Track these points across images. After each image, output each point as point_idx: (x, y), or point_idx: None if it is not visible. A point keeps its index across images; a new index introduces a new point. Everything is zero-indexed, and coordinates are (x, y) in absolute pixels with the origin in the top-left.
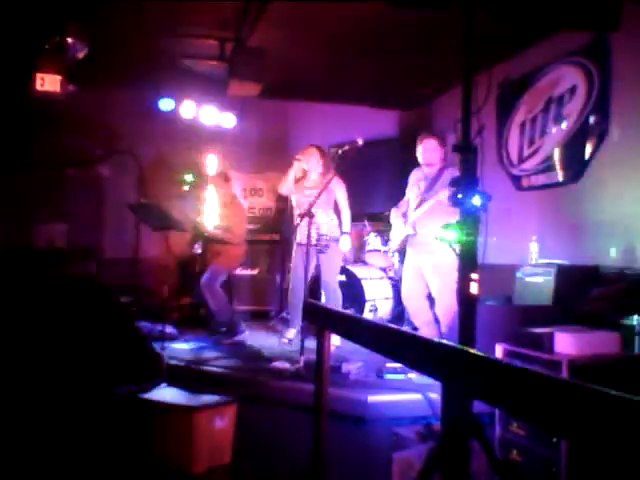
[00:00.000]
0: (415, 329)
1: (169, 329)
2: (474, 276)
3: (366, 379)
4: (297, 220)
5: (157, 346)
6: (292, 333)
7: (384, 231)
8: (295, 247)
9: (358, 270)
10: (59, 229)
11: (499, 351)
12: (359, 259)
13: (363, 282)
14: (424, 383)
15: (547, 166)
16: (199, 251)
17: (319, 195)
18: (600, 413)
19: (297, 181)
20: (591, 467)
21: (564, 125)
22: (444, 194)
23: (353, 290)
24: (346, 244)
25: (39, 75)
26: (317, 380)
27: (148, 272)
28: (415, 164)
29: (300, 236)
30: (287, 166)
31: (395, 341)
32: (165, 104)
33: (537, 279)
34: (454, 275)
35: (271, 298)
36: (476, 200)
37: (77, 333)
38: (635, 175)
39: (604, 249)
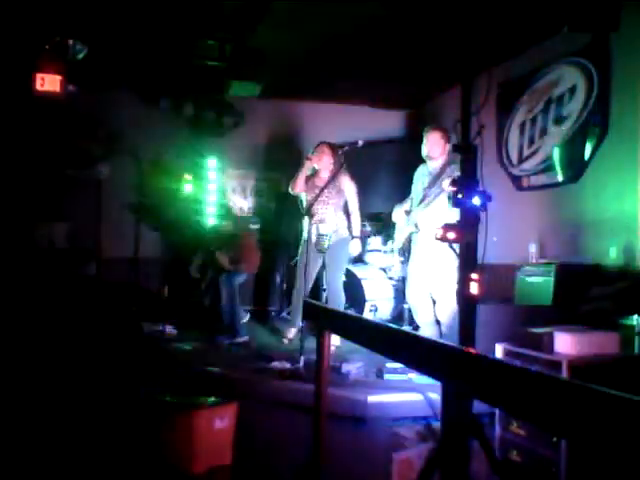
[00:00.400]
0: (415, 329)
1: (169, 329)
2: (474, 276)
3: (366, 379)
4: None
5: (157, 346)
6: (292, 332)
7: (384, 231)
8: (302, 246)
9: (358, 270)
10: (59, 229)
11: (499, 351)
12: (359, 259)
13: (363, 282)
14: (424, 383)
15: (547, 166)
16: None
17: (320, 193)
18: (600, 413)
19: (308, 180)
20: (591, 467)
21: (564, 125)
22: (446, 183)
23: (353, 290)
24: (355, 248)
25: (39, 75)
26: (317, 380)
27: (148, 272)
28: (415, 164)
29: (305, 235)
30: (288, 166)
31: (395, 341)
32: (164, 104)
33: (537, 279)
34: (454, 275)
35: (271, 298)
36: (476, 200)
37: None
38: (635, 175)
39: (604, 249)
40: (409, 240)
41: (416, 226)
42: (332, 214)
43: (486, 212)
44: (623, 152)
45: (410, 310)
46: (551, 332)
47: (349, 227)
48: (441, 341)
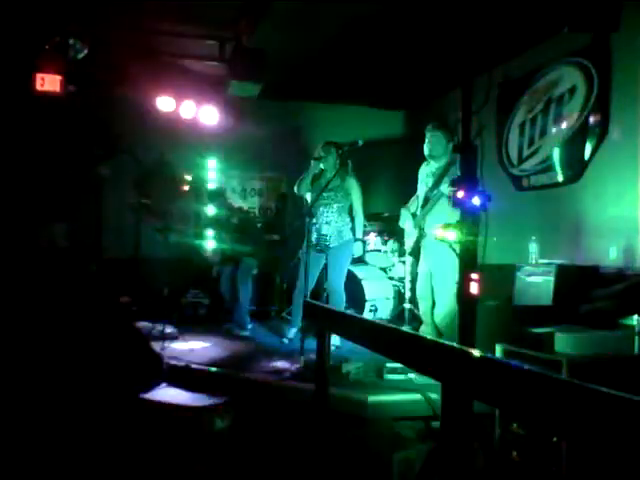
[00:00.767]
0: (415, 329)
1: (169, 329)
2: (474, 276)
3: (366, 379)
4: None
5: (157, 346)
6: (293, 332)
7: (384, 231)
8: (303, 247)
9: (358, 270)
10: (59, 229)
11: (499, 351)
12: (359, 259)
13: (363, 282)
14: (424, 383)
15: (547, 166)
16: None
17: (326, 194)
18: (600, 413)
19: (313, 180)
20: (591, 467)
21: (564, 125)
22: (445, 187)
23: (353, 290)
24: (357, 250)
25: (39, 75)
26: (317, 380)
27: (148, 272)
28: (415, 164)
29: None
30: (288, 166)
31: (395, 341)
32: (164, 103)
33: (537, 279)
34: (455, 275)
35: (271, 298)
36: (476, 200)
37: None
38: (635, 175)
39: (604, 249)
40: (418, 243)
41: (422, 230)
42: (337, 215)
43: (486, 212)
44: (623, 152)
45: (410, 310)
46: (551, 332)
47: (352, 229)
48: (441, 341)
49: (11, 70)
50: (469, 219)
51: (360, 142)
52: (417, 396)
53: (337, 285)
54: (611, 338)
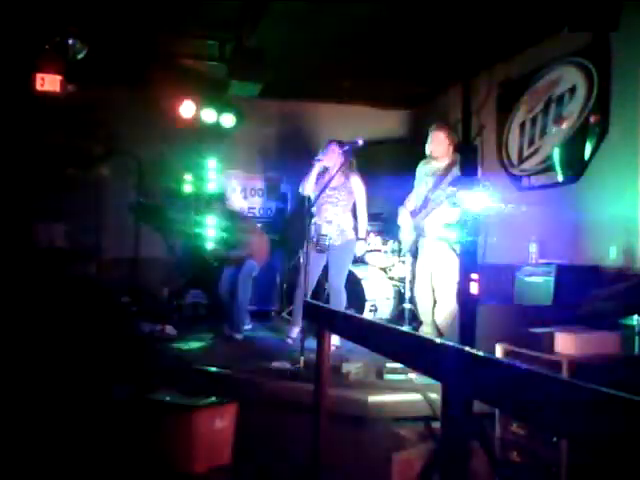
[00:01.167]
0: (415, 329)
1: (169, 329)
2: (474, 276)
3: (366, 379)
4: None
5: (157, 346)
6: (296, 332)
7: (384, 231)
8: (304, 246)
9: (358, 270)
10: (59, 229)
11: (499, 351)
12: (359, 259)
13: (363, 282)
14: (424, 383)
15: (547, 166)
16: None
17: (330, 193)
18: (600, 413)
19: (318, 179)
20: (591, 467)
21: (564, 125)
22: (448, 191)
23: (353, 290)
24: (360, 249)
25: (39, 75)
26: (317, 380)
27: (148, 272)
28: (415, 164)
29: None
30: (288, 166)
31: (395, 341)
32: (165, 104)
33: (537, 279)
34: (455, 275)
35: (271, 298)
36: (476, 200)
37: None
38: (635, 175)
39: (604, 249)
40: (416, 242)
41: (422, 231)
42: (341, 215)
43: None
44: (623, 152)
45: (410, 310)
46: (551, 332)
47: (355, 228)
48: (441, 341)
49: (11, 70)
50: (469, 219)
51: (360, 141)
52: (417, 396)
53: (338, 284)
54: (611, 338)
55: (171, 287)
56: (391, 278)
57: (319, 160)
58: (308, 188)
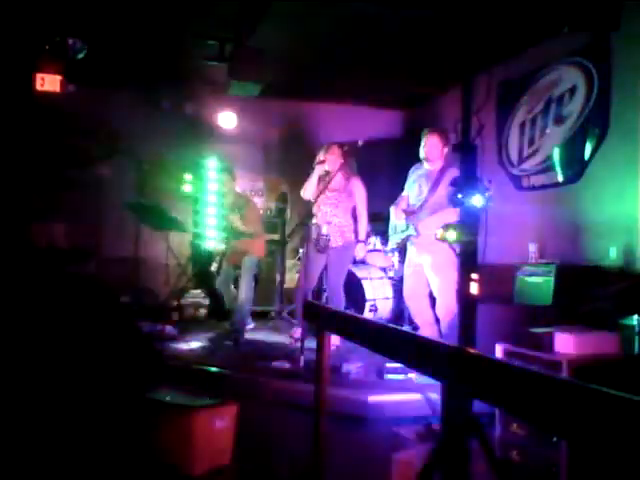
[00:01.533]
0: (415, 329)
1: (169, 329)
2: (474, 276)
3: (366, 379)
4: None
5: (157, 346)
6: (299, 332)
7: (384, 231)
8: (304, 246)
9: (358, 270)
10: (59, 229)
11: (499, 351)
12: (359, 261)
13: (363, 282)
14: (424, 383)
15: (547, 166)
16: None
17: (330, 195)
18: (600, 413)
19: (319, 181)
20: (591, 467)
21: (564, 125)
22: (446, 192)
23: (353, 290)
24: (359, 252)
25: (39, 75)
26: (317, 380)
27: (148, 272)
28: (416, 163)
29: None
30: (288, 166)
31: (395, 341)
32: (165, 104)
33: (537, 279)
34: (454, 275)
35: (271, 298)
36: (476, 200)
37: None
38: (635, 175)
39: (604, 249)
40: (405, 241)
41: (416, 230)
42: (341, 217)
43: (486, 212)
44: (623, 152)
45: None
46: (551, 332)
47: (355, 230)
48: (441, 341)
49: (11, 70)
50: (469, 219)
51: (360, 142)
52: (417, 396)
53: (336, 285)
54: (611, 338)
55: (171, 287)
56: (391, 278)
57: (320, 163)
58: (309, 192)
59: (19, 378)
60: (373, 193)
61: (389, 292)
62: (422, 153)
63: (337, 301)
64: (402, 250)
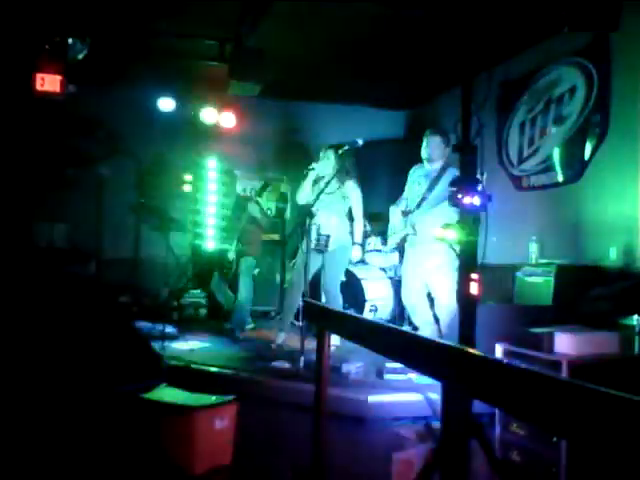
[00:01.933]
0: (415, 329)
1: (169, 329)
2: (474, 276)
3: (366, 379)
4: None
5: (157, 346)
6: (281, 338)
7: (384, 231)
8: (301, 247)
9: (358, 270)
10: (59, 229)
11: (499, 351)
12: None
13: (363, 282)
14: (424, 383)
15: (547, 166)
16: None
17: (325, 197)
18: (600, 413)
19: (314, 184)
20: (591, 467)
21: (564, 125)
22: (443, 188)
23: (353, 290)
24: (355, 254)
25: (39, 75)
26: (317, 380)
27: (148, 272)
28: (415, 164)
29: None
30: (288, 166)
31: (395, 341)
32: (164, 104)
33: (537, 279)
34: (454, 275)
35: (271, 298)
36: (476, 200)
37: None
38: (635, 175)
39: (604, 249)
40: (404, 241)
41: (414, 228)
42: (335, 219)
43: (486, 212)
44: (623, 152)
45: None
46: (551, 332)
47: (351, 233)
48: (441, 341)
49: (11, 70)
50: (469, 219)
51: (360, 142)
52: (417, 396)
53: (332, 287)
54: (611, 338)
55: (171, 287)
56: (391, 278)
57: (312, 169)
58: (303, 197)
59: (18, 378)
60: (373, 193)
61: (389, 292)
62: (424, 153)
63: (334, 303)
64: (402, 250)
